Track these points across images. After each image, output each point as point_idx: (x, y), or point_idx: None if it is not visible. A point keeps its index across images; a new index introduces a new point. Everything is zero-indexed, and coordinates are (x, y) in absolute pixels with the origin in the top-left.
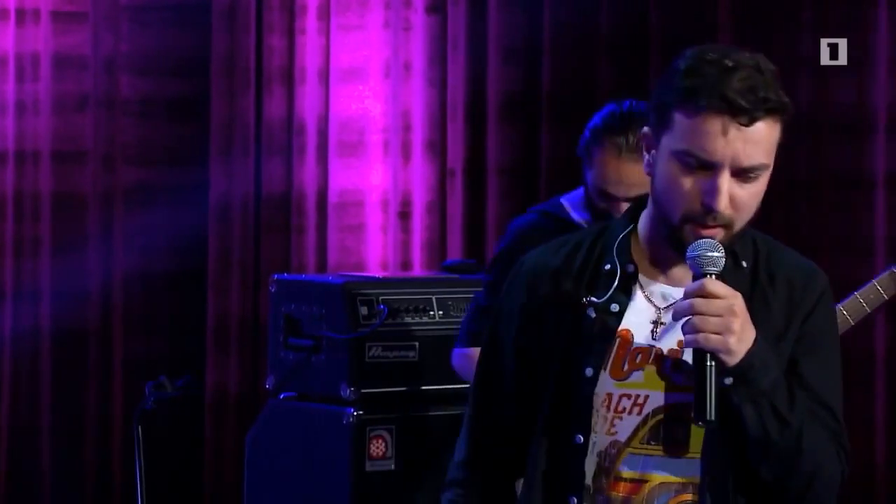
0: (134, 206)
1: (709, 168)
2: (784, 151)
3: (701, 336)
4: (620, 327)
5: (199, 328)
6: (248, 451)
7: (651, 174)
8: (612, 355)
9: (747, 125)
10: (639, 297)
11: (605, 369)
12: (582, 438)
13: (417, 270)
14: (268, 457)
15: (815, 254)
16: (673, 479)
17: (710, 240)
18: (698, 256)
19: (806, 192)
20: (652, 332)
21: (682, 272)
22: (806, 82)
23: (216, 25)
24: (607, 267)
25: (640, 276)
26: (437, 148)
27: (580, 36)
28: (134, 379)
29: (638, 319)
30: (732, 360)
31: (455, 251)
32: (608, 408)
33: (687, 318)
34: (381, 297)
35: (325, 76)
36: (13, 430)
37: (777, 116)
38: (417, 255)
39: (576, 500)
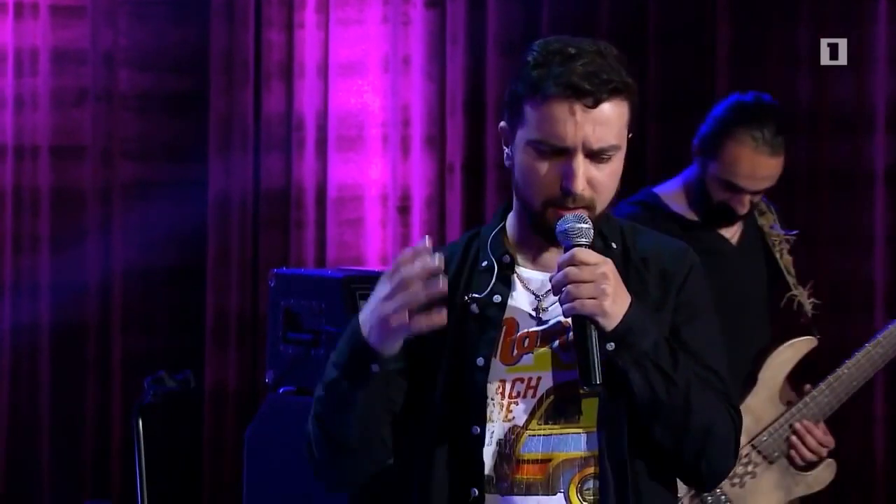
0: (133, 201)
1: (563, 153)
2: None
3: (577, 302)
4: (505, 316)
5: (199, 323)
6: (248, 446)
7: (510, 167)
8: (501, 342)
9: (592, 107)
10: (518, 287)
11: (495, 356)
12: (479, 429)
13: None
14: (267, 451)
15: (815, 249)
16: (575, 454)
17: (577, 213)
18: (567, 229)
19: (805, 188)
20: (535, 317)
21: (551, 258)
22: (805, 78)
23: (215, 20)
24: (484, 264)
25: (517, 268)
26: (437, 142)
27: (579, 30)
28: (133, 374)
29: (520, 307)
30: (610, 323)
31: None
32: (503, 394)
33: (563, 288)
34: None
35: (323, 71)
36: (12, 425)
37: (622, 97)
38: None
39: (476, 492)
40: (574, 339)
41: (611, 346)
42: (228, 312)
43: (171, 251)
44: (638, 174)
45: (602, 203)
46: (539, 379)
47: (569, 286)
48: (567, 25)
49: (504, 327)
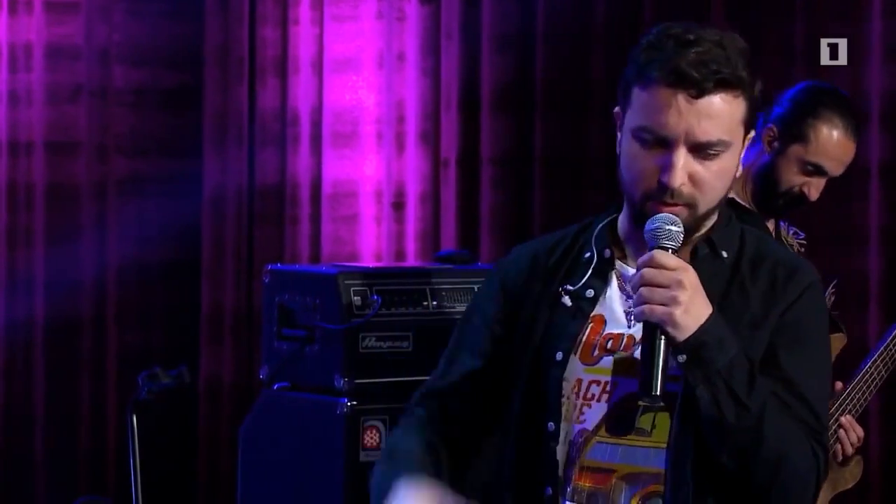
0: (127, 196)
1: (665, 144)
2: None
3: (647, 307)
4: (594, 313)
5: (193, 318)
6: (242, 442)
7: (618, 155)
8: (583, 340)
9: (696, 97)
10: (615, 284)
11: (574, 353)
12: (553, 426)
13: (411, 261)
14: (261, 447)
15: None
16: (640, 469)
17: (668, 214)
18: (655, 229)
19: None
20: (626, 319)
21: None
22: (800, 74)
23: (209, 16)
24: (587, 255)
25: (618, 263)
26: (431, 138)
27: (574, 26)
28: (128, 369)
29: (612, 306)
30: (680, 335)
31: (449, 241)
32: (577, 395)
33: (637, 291)
34: (374, 288)
35: (318, 67)
36: (7, 420)
37: (735, 92)
38: (411, 246)
39: (551, 491)
40: (641, 346)
41: (682, 357)
42: (223, 308)
43: (166, 246)
44: None
45: (706, 203)
46: (615, 384)
47: (641, 289)
48: (562, 21)
49: (590, 325)
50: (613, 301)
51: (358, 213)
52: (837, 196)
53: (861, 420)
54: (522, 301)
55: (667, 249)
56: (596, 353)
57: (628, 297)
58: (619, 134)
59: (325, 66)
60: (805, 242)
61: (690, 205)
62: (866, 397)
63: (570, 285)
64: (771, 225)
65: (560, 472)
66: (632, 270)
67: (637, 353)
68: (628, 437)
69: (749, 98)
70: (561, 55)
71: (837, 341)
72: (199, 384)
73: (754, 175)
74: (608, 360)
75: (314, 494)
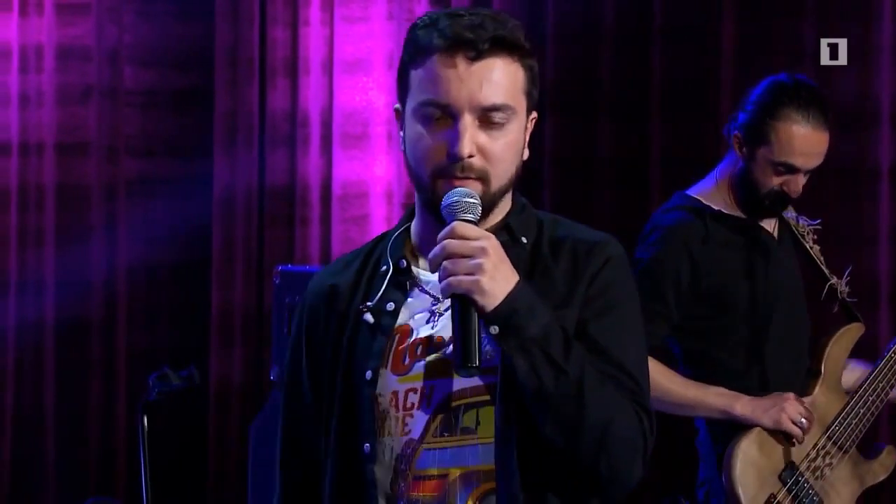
0: (137, 197)
1: (450, 115)
2: None
3: (453, 279)
4: (398, 323)
5: (203, 319)
6: (252, 441)
7: (404, 151)
8: (392, 352)
9: (474, 59)
10: (415, 291)
11: (385, 367)
12: (369, 447)
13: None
14: (271, 447)
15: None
16: (472, 468)
17: (463, 188)
18: (452, 203)
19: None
20: (430, 322)
21: None
22: (809, 75)
23: (220, 17)
24: (383, 268)
25: (415, 270)
26: None
27: (583, 27)
28: (138, 370)
29: (415, 313)
30: (489, 302)
31: None
32: (397, 407)
33: (441, 264)
34: None
35: (328, 68)
36: (18, 421)
37: (513, 55)
38: None
39: None
40: (452, 318)
41: (494, 329)
42: (233, 309)
43: (176, 247)
44: (642, 169)
45: (498, 178)
46: (433, 388)
47: (445, 262)
48: (571, 22)
49: (396, 336)
50: (416, 308)
51: (368, 214)
52: (847, 197)
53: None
54: (325, 334)
55: (467, 221)
56: (407, 361)
57: (434, 300)
58: (401, 133)
59: (335, 67)
60: (819, 228)
61: (482, 178)
62: (893, 385)
63: (370, 301)
64: (769, 225)
65: (386, 489)
66: (429, 276)
67: (448, 352)
68: (454, 438)
69: (528, 67)
70: (570, 56)
71: (855, 330)
72: (209, 385)
73: (736, 183)
74: (420, 366)
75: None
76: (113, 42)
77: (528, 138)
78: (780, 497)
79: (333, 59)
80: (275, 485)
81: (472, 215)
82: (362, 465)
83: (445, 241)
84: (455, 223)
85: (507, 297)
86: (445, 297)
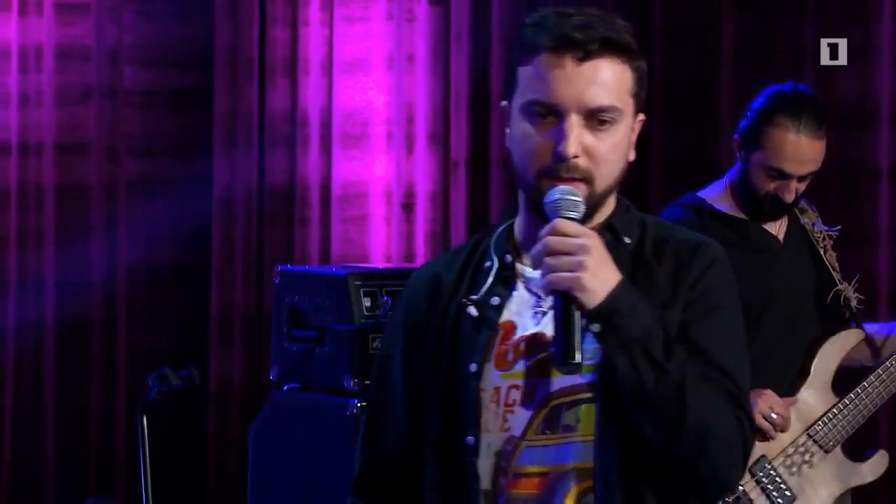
0: (137, 197)
1: (556, 115)
2: None
3: (553, 276)
4: (502, 319)
5: (203, 319)
6: (252, 442)
7: (510, 148)
8: (496, 348)
9: (583, 60)
10: (520, 287)
11: (489, 362)
12: (473, 440)
13: (421, 262)
14: (271, 447)
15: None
16: (572, 466)
17: (567, 186)
18: (555, 201)
19: (811, 184)
20: (535, 319)
21: None
22: (810, 74)
23: (219, 17)
24: (488, 264)
25: (519, 267)
26: (441, 139)
27: None
28: (137, 370)
29: (520, 309)
30: (591, 300)
31: (458, 242)
32: (498, 402)
33: (542, 261)
34: (384, 289)
35: (328, 68)
36: (18, 421)
37: (621, 58)
38: (421, 247)
39: None
40: (554, 315)
41: (595, 327)
42: (233, 309)
43: (176, 247)
44: (643, 169)
45: (603, 178)
46: (535, 385)
47: (546, 259)
48: None
49: (501, 331)
50: (520, 304)
51: (368, 214)
52: (847, 197)
53: (868, 423)
54: (426, 326)
55: (570, 219)
56: (510, 357)
57: (537, 297)
58: (507, 130)
59: (334, 67)
60: (836, 234)
61: (587, 180)
62: (890, 390)
63: (474, 295)
64: (774, 227)
65: (487, 485)
66: (534, 273)
67: (552, 350)
68: (556, 435)
69: (635, 69)
70: None
71: (854, 336)
72: (209, 385)
73: (737, 186)
74: (523, 363)
75: (324, 495)
76: (112, 42)
77: (634, 139)
78: (747, 488)
79: (333, 59)
80: (352, 469)
81: (575, 213)
82: (464, 458)
83: (547, 238)
84: (557, 220)
85: (608, 296)
86: (546, 293)
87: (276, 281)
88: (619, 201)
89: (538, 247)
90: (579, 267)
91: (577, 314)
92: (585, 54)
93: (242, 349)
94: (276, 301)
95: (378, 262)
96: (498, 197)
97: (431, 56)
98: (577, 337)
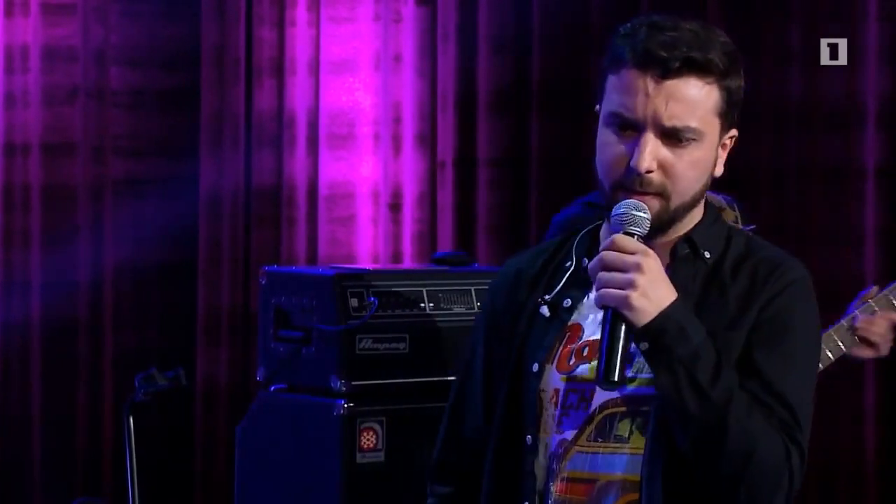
0: (124, 197)
1: (634, 129)
2: (774, 142)
3: (604, 291)
4: (571, 321)
5: (190, 320)
6: (239, 443)
7: (597, 153)
8: (560, 349)
9: (662, 78)
10: (594, 291)
11: (550, 363)
12: (532, 439)
13: (408, 262)
14: (258, 449)
15: (805, 244)
16: (619, 477)
17: (636, 201)
18: (621, 214)
19: (796, 185)
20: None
21: None
22: (796, 75)
23: (206, 17)
24: (567, 264)
25: None
26: (428, 140)
27: (570, 28)
28: (124, 370)
29: (590, 313)
30: (639, 319)
31: (446, 243)
32: (556, 404)
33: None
34: (371, 289)
35: (315, 68)
36: (3, 422)
37: (707, 77)
38: (408, 247)
39: None
40: (601, 330)
41: (644, 345)
42: (220, 309)
43: (163, 248)
44: None
45: (679, 195)
46: (593, 392)
47: (600, 273)
48: (558, 22)
49: (567, 334)
50: (591, 309)
51: (355, 215)
52: (834, 197)
53: (855, 418)
54: (503, 318)
55: (632, 235)
56: (573, 361)
57: None
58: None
59: (321, 67)
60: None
61: (662, 194)
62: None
63: (548, 294)
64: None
65: (540, 485)
66: None
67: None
68: (608, 444)
69: (724, 89)
70: (557, 56)
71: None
72: (196, 386)
73: None
74: (584, 368)
75: (311, 496)
76: (99, 42)
77: (723, 155)
78: None
79: (320, 59)
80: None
81: (638, 229)
82: (523, 457)
83: (604, 252)
84: (616, 235)
85: (657, 316)
86: (598, 307)
87: (263, 281)
88: (706, 213)
89: (595, 260)
90: (629, 285)
91: (623, 331)
92: (666, 72)
93: (229, 350)
94: (262, 301)
95: (365, 262)
96: (485, 197)
97: (418, 56)
98: (619, 356)
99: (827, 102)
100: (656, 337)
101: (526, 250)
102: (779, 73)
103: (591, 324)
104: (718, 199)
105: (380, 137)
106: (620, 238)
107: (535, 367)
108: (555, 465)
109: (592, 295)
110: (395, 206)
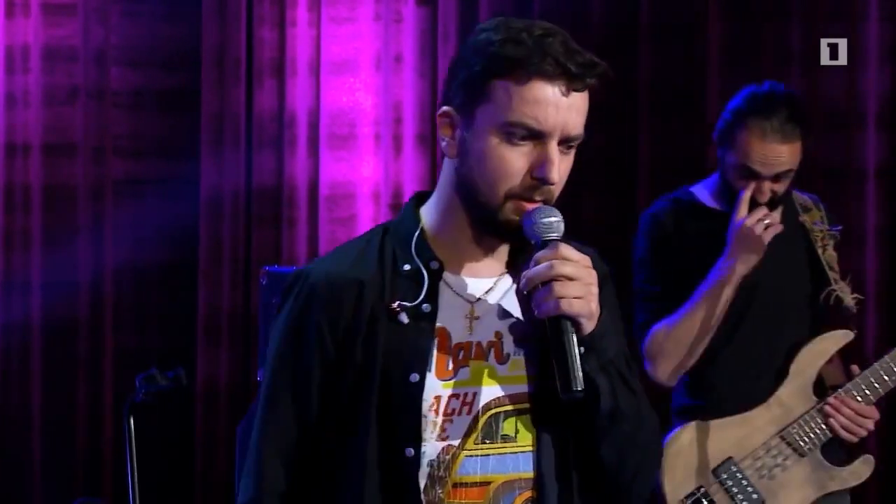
0: (124, 198)
1: (538, 138)
2: None
3: (564, 302)
4: (436, 326)
5: (190, 320)
6: (239, 442)
7: (456, 155)
8: (435, 356)
9: (580, 90)
10: (447, 294)
11: (429, 371)
12: (412, 451)
13: None
14: None
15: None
16: (513, 476)
17: (545, 207)
18: (537, 223)
19: (797, 184)
20: (467, 326)
21: (484, 264)
22: (797, 75)
23: (207, 18)
24: (406, 268)
25: (444, 273)
26: (428, 140)
27: (570, 27)
28: (124, 370)
29: (451, 315)
30: (591, 326)
31: None
32: (437, 412)
33: (539, 285)
34: None
35: (315, 69)
36: (4, 422)
37: (589, 89)
38: None
39: None
40: (552, 342)
41: (580, 350)
42: (220, 309)
43: (163, 248)
44: (630, 170)
45: (554, 199)
46: (475, 394)
47: (554, 284)
48: (558, 22)
49: (437, 339)
50: (452, 311)
51: (355, 215)
52: (835, 197)
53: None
54: (353, 331)
55: (555, 241)
56: (451, 366)
57: (468, 303)
58: (448, 137)
59: (322, 67)
60: (836, 234)
61: (549, 201)
62: (887, 386)
63: (405, 301)
64: None
65: (427, 495)
66: (459, 278)
67: (491, 360)
68: (496, 445)
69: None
70: None
71: (841, 337)
72: (196, 386)
73: (718, 182)
74: (465, 372)
75: None
76: (99, 43)
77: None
78: (711, 490)
79: (320, 59)
80: (246, 486)
81: (558, 235)
82: (405, 471)
83: (554, 262)
84: (561, 245)
85: (599, 320)
86: (543, 316)
87: (263, 281)
88: None
89: (540, 269)
90: (589, 294)
91: (575, 339)
92: (577, 85)
93: (229, 350)
94: (262, 302)
95: None
96: None
97: (419, 56)
98: (577, 363)
99: (827, 102)
100: (598, 340)
101: (330, 256)
102: (779, 74)
103: (455, 327)
104: (805, 199)
105: (380, 137)
106: (565, 248)
107: (415, 377)
108: (442, 473)
109: (449, 296)
110: (396, 206)
